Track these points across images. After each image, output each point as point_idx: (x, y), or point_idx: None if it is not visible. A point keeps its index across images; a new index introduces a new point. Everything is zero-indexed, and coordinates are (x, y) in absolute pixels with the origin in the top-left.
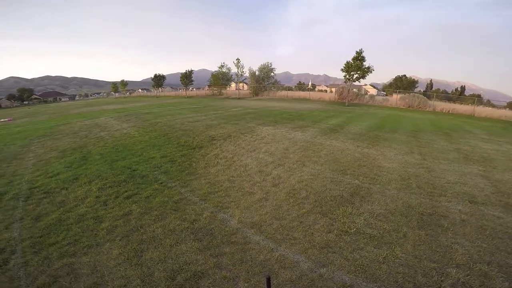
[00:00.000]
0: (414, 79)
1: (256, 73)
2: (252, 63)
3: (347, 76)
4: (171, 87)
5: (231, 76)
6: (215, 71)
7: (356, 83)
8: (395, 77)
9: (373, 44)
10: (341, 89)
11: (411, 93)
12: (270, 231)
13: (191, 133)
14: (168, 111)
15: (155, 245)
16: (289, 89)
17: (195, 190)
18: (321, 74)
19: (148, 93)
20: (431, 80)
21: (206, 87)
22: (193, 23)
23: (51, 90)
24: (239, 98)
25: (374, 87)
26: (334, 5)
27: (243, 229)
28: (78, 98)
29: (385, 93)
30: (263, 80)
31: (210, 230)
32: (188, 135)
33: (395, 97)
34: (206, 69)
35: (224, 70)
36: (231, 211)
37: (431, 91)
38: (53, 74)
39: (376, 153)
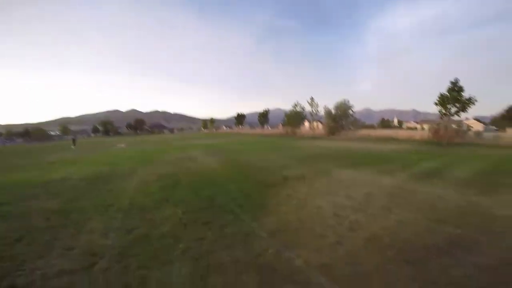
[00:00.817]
0: None
1: (332, 112)
2: (328, 102)
3: (443, 111)
4: (250, 125)
5: (305, 115)
6: (290, 110)
7: (455, 117)
8: (508, 107)
9: (471, 69)
10: (436, 126)
11: None
12: (340, 276)
13: (266, 171)
14: (246, 149)
15: (220, 272)
16: (371, 127)
17: (265, 225)
18: (409, 109)
19: (230, 130)
20: None
21: (280, 126)
22: (269, 62)
23: (158, 123)
24: (313, 138)
25: (479, 121)
26: (418, 30)
27: (309, 270)
28: (176, 132)
29: (496, 127)
30: (340, 118)
31: (273, 266)
32: (263, 173)
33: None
34: (280, 108)
35: (298, 109)
36: (297, 251)
37: None
38: (160, 110)
39: (490, 201)
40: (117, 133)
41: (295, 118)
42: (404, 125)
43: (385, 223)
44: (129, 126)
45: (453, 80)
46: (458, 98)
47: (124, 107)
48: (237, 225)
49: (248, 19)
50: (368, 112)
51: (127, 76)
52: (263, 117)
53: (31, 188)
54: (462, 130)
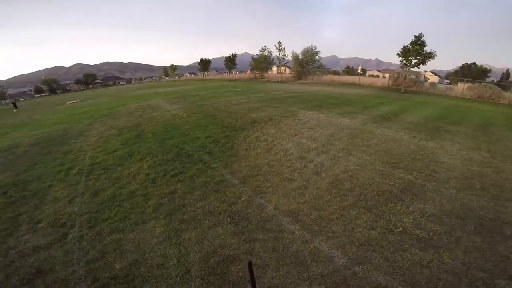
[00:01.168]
0: (486, 67)
1: (299, 57)
2: (295, 47)
3: (404, 61)
4: (216, 71)
5: (273, 60)
6: (257, 54)
7: (415, 69)
8: (462, 65)
9: (436, 29)
10: (396, 75)
11: (482, 83)
12: (307, 222)
13: (234, 115)
14: (213, 94)
15: (194, 226)
16: (336, 73)
17: (236, 172)
18: (373, 59)
19: (195, 77)
20: (507, 70)
21: (249, 71)
22: (236, 4)
23: (111, 75)
24: (281, 82)
25: (436, 74)
26: None
27: (279, 216)
28: (133, 82)
29: (449, 81)
30: (307, 64)
31: (247, 214)
32: (231, 117)
33: (462, 87)
34: (248, 53)
35: (266, 54)
36: (268, 196)
37: (507, 81)
38: (111, 60)
39: (435, 146)
40: (65, 90)
41: (262, 62)
42: (367, 73)
43: (346, 166)
44: (78, 81)
45: (417, 35)
46: (420, 52)
47: (67, 62)
48: (208, 174)
49: None
50: (334, 59)
51: (64, 27)
52: (230, 61)
53: None
54: (419, 80)
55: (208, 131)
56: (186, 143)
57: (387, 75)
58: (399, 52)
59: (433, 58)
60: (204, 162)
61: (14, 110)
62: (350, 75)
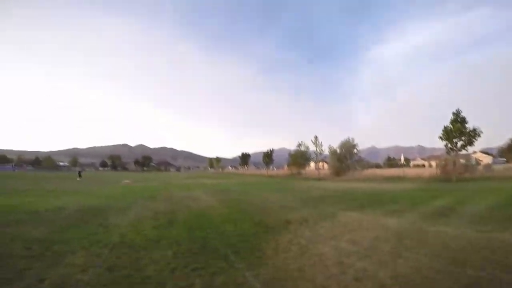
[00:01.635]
0: None
1: (337, 151)
2: (332, 139)
3: (449, 145)
4: (255, 165)
5: (310, 155)
6: (294, 150)
7: (462, 151)
8: None
9: (471, 95)
10: (443, 162)
11: None
12: None
13: (267, 213)
14: (249, 189)
15: None
16: (377, 166)
17: (260, 274)
18: (414, 146)
19: (236, 170)
20: None
21: (285, 167)
22: (272, 98)
23: (164, 160)
24: (319, 179)
25: (487, 153)
26: (412, 58)
27: None
28: (182, 170)
29: (505, 159)
30: (345, 158)
31: None
32: (264, 215)
33: None
34: (285, 148)
35: (302, 149)
36: None
37: None
38: (168, 146)
39: (508, 237)
40: (124, 168)
41: (299, 158)
42: (411, 163)
43: (395, 270)
44: (136, 162)
45: (455, 111)
46: (463, 131)
47: (133, 142)
48: (230, 273)
49: (250, 53)
50: (373, 150)
51: (135, 110)
52: (268, 157)
53: (22, 214)
54: (471, 164)
55: (238, 227)
56: (214, 237)
57: (433, 163)
58: (441, 135)
59: (479, 136)
60: (228, 260)
61: (78, 179)
62: (393, 167)
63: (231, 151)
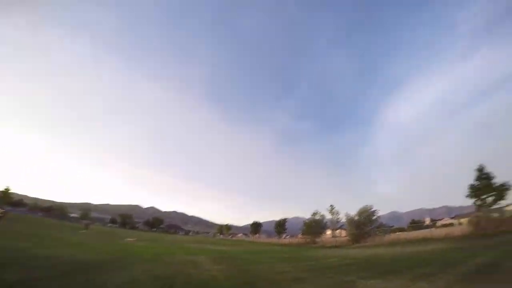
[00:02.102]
0: None
1: (355, 218)
2: (349, 207)
3: (479, 202)
4: (267, 234)
5: (326, 224)
6: (308, 218)
7: (495, 206)
8: None
9: (489, 146)
10: (476, 218)
11: None
12: None
13: (275, 285)
14: (259, 258)
15: None
16: (400, 230)
17: None
18: (440, 206)
19: (247, 238)
20: None
21: (299, 235)
22: (287, 167)
23: (174, 224)
24: (336, 247)
25: None
26: (424, 118)
27: None
28: (191, 234)
29: None
30: (364, 225)
31: None
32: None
33: None
34: (299, 217)
35: (318, 218)
36: None
37: None
38: (179, 211)
39: None
40: (133, 227)
41: (314, 226)
42: (438, 223)
43: None
44: (146, 223)
45: (478, 167)
46: (491, 186)
47: (145, 204)
48: None
49: (268, 123)
50: (395, 216)
51: (150, 173)
52: (280, 226)
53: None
54: (507, 217)
55: None
56: None
57: (463, 220)
58: (469, 193)
59: (508, 189)
60: None
61: (83, 231)
62: (418, 230)
63: (243, 219)
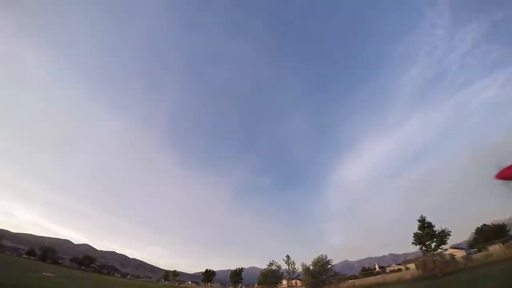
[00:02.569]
0: (499, 223)
1: (311, 268)
2: (304, 258)
3: (424, 248)
4: (221, 283)
5: (282, 274)
6: (264, 268)
7: (437, 250)
8: (476, 229)
9: (432, 202)
10: (422, 262)
11: None
12: None
13: None
14: None
15: None
16: (353, 277)
17: None
18: (387, 254)
19: (197, 286)
20: None
21: (256, 285)
22: (243, 220)
23: (110, 265)
24: None
25: (457, 248)
26: (371, 176)
27: None
28: (128, 277)
29: (476, 249)
30: (320, 274)
31: None
32: None
33: (498, 248)
34: (256, 267)
35: (274, 268)
36: None
37: None
38: (118, 251)
39: None
40: (56, 262)
41: (271, 276)
42: (387, 269)
43: None
44: (73, 259)
45: (420, 218)
46: (433, 234)
47: (78, 240)
48: None
49: (227, 174)
50: (346, 264)
51: (89, 209)
52: (236, 275)
53: None
54: (450, 259)
55: None
56: None
57: (410, 265)
58: (414, 241)
59: (449, 235)
60: None
61: None
62: (369, 276)
63: (194, 267)
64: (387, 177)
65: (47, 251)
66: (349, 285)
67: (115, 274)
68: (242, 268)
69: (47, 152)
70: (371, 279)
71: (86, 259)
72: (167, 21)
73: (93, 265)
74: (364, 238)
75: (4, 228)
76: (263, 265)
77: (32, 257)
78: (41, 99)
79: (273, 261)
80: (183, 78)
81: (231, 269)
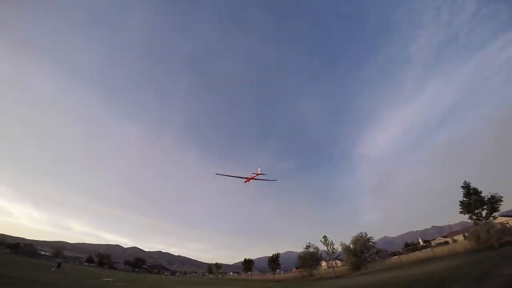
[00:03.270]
0: None
1: (351, 247)
2: (341, 238)
3: (473, 217)
4: (259, 271)
5: (320, 255)
6: (301, 252)
7: (490, 218)
8: None
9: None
10: (475, 232)
11: None
12: None
13: None
14: None
15: None
16: (399, 253)
17: None
18: (429, 227)
19: (238, 276)
20: None
21: (294, 269)
22: (274, 205)
23: (159, 264)
24: (336, 277)
25: (508, 216)
26: (399, 148)
27: None
28: (177, 274)
29: None
30: (362, 252)
31: None
32: None
33: None
34: (291, 251)
35: (312, 250)
36: None
37: None
38: (164, 251)
39: None
40: (112, 267)
41: (309, 259)
42: (432, 243)
43: None
44: (127, 262)
45: (464, 185)
46: (482, 200)
47: (127, 244)
48: None
49: (248, 163)
50: (386, 241)
51: (131, 214)
52: (274, 261)
53: None
54: (507, 228)
55: None
56: None
57: (457, 237)
58: (461, 209)
59: (500, 201)
60: None
61: (53, 269)
62: (414, 251)
63: (232, 258)
64: (415, 146)
65: (102, 258)
66: (395, 262)
67: (165, 273)
68: (278, 254)
69: (79, 166)
70: (418, 254)
71: (138, 261)
72: (162, 26)
73: (145, 266)
74: (402, 212)
75: (64, 240)
76: (299, 249)
77: (92, 264)
78: (60, 118)
79: (309, 243)
80: (190, 78)
81: (268, 255)
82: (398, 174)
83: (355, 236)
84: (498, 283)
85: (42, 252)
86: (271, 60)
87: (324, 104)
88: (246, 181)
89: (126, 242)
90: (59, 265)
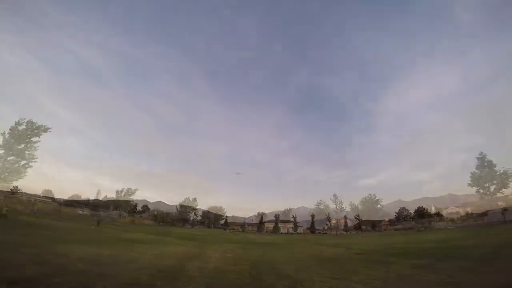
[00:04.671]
0: None
1: (359, 207)
2: (353, 198)
3: (481, 191)
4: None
5: (329, 214)
6: (313, 208)
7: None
8: None
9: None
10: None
11: None
12: None
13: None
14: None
15: None
16: (406, 219)
17: None
18: (445, 195)
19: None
20: None
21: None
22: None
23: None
24: (336, 234)
25: None
26: (423, 107)
27: None
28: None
29: None
30: (368, 212)
31: None
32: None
33: None
34: (305, 207)
35: (322, 207)
36: None
37: None
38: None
39: None
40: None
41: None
42: (444, 211)
43: None
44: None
45: (479, 156)
46: (493, 175)
47: (152, 199)
48: None
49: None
50: (399, 204)
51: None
52: (284, 215)
53: None
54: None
55: None
56: None
57: (469, 208)
58: (470, 182)
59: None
60: None
61: (93, 227)
62: (422, 218)
63: (250, 210)
64: (445, 108)
65: (134, 211)
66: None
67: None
68: (290, 209)
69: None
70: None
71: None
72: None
73: (168, 219)
74: (421, 175)
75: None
76: (311, 205)
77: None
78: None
79: (320, 200)
80: (211, 28)
81: (280, 210)
82: (424, 135)
83: (363, 197)
84: None
85: (80, 212)
86: (296, 9)
87: (350, 56)
88: None
89: (152, 196)
90: (98, 223)
